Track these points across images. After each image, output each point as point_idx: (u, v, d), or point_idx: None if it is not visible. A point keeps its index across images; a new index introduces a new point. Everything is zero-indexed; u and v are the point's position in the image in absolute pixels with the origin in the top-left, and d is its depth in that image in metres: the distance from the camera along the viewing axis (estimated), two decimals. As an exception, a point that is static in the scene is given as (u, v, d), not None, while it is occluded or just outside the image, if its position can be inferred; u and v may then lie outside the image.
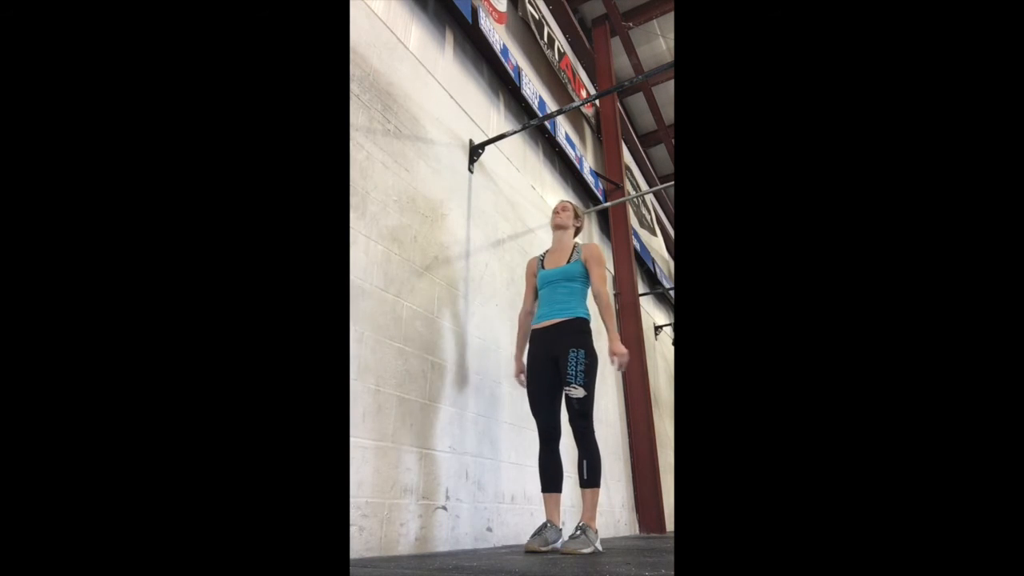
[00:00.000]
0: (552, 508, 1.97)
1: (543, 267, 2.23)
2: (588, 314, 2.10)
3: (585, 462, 1.89)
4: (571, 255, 2.19)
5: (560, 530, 1.94)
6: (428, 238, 2.32)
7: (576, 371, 1.93)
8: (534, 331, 2.13)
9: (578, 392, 1.92)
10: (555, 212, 2.30)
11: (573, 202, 2.36)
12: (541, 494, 2.02)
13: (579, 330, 2.02)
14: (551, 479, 1.99)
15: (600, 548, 1.85)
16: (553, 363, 2.03)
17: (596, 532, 1.86)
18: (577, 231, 2.31)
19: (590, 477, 1.88)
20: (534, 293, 2.26)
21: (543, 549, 1.84)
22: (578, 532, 1.83)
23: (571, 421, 1.94)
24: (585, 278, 2.15)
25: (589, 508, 1.88)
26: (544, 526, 1.91)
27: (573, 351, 1.96)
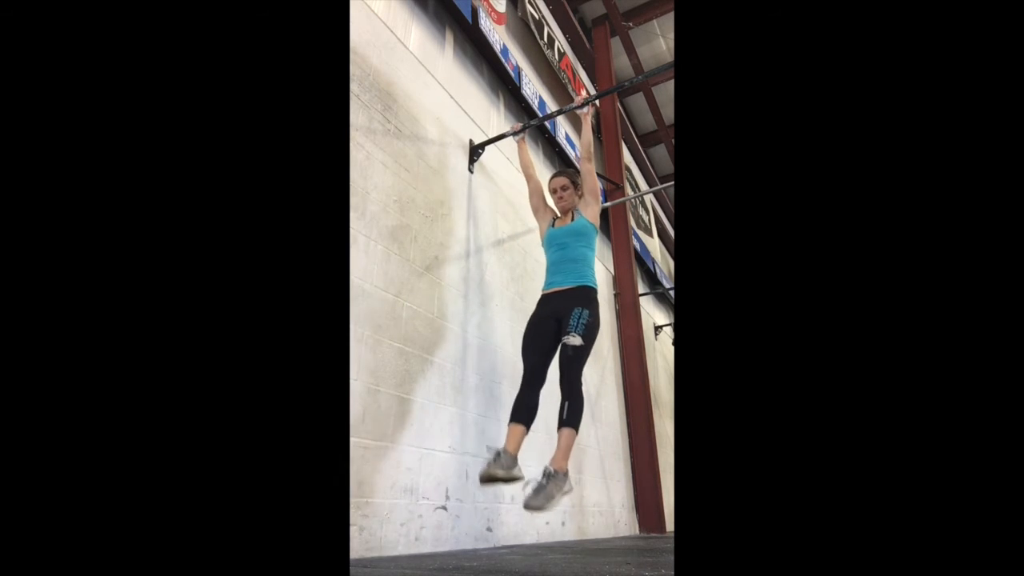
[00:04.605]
0: (513, 439, 1.81)
1: (552, 227, 2.26)
2: (596, 284, 2.09)
3: (568, 403, 1.79)
4: (574, 216, 2.22)
5: (515, 460, 1.78)
6: (428, 238, 2.32)
7: (578, 323, 1.90)
8: (542, 296, 2.13)
9: (576, 340, 1.87)
10: (556, 196, 2.26)
11: (567, 173, 2.30)
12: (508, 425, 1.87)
13: (587, 296, 2.01)
14: (525, 412, 1.86)
15: (571, 487, 1.75)
16: (556, 322, 2.00)
17: (566, 474, 1.72)
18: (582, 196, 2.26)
19: (570, 417, 1.77)
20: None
21: (501, 474, 1.71)
22: (543, 481, 1.68)
23: (562, 363, 1.86)
24: (594, 234, 2.18)
25: (563, 449, 1.75)
26: (498, 453, 1.76)
27: (578, 309, 1.94)
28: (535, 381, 1.95)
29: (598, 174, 5.19)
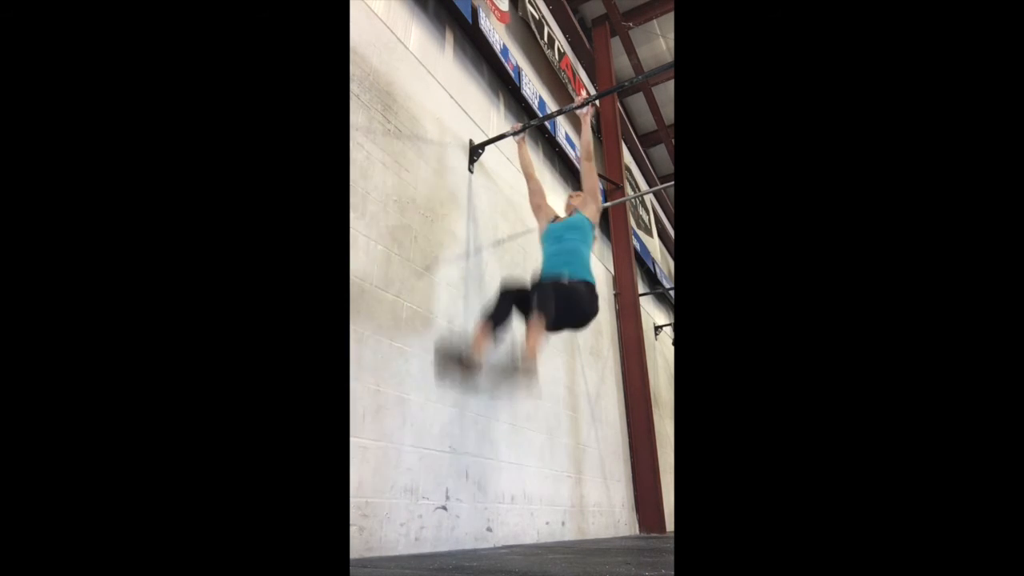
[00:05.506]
0: (481, 339, 1.87)
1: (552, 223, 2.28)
2: (594, 279, 2.06)
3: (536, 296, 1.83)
4: (573, 213, 2.24)
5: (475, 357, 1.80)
6: (428, 238, 2.32)
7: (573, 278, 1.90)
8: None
9: (566, 281, 1.89)
10: (567, 206, 2.35)
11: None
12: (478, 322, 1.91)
13: (589, 289, 1.98)
14: (495, 317, 1.91)
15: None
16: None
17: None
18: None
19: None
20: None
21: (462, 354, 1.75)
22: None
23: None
24: (590, 230, 2.18)
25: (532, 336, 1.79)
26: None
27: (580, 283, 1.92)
28: (499, 315, 1.91)
29: (598, 174, 5.19)
